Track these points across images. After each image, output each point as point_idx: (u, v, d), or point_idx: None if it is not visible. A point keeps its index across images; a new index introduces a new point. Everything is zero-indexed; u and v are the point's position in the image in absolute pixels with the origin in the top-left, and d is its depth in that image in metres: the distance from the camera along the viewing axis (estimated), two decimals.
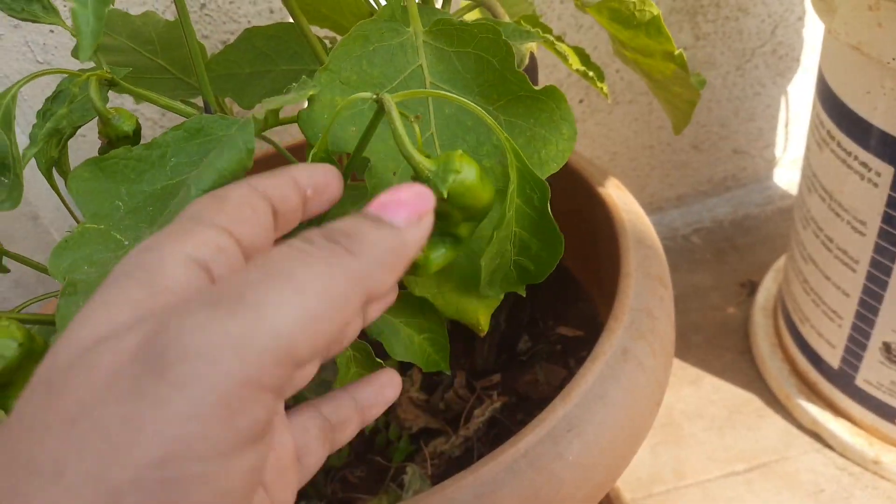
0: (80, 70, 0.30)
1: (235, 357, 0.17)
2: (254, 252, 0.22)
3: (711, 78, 0.69)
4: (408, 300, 0.34)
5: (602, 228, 0.44)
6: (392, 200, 0.22)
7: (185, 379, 0.16)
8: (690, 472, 0.55)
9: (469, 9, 0.39)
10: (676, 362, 0.63)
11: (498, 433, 0.47)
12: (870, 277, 0.48)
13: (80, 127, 0.31)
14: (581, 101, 0.67)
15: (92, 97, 0.28)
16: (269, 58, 0.40)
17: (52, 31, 0.50)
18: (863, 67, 0.42)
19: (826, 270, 0.52)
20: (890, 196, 0.44)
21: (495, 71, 0.29)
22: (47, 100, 0.29)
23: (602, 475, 0.34)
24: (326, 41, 0.39)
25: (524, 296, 0.32)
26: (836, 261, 0.50)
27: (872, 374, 0.52)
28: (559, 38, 0.36)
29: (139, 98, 0.31)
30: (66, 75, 0.30)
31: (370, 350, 0.33)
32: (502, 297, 0.32)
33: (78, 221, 0.32)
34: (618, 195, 0.45)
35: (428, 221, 0.22)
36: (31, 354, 0.27)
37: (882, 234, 0.46)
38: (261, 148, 0.39)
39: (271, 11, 0.53)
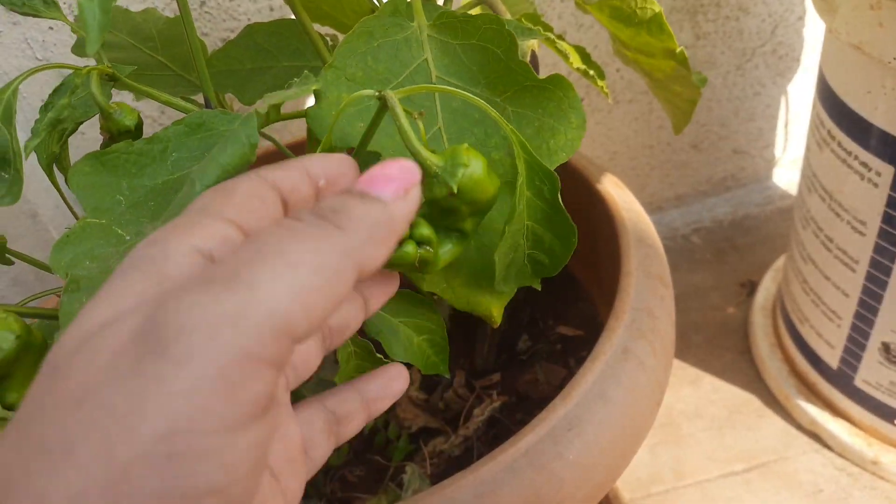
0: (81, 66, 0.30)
1: (232, 331, 0.17)
2: None
3: (712, 77, 0.69)
4: (407, 299, 0.34)
5: (602, 227, 0.44)
6: (379, 175, 0.22)
7: (184, 355, 0.17)
8: (689, 471, 0.55)
9: (470, 7, 0.39)
10: (676, 362, 0.63)
11: (497, 433, 0.47)
12: (869, 277, 0.48)
13: (82, 122, 0.31)
14: (581, 101, 0.67)
15: (93, 92, 0.28)
16: (270, 54, 0.40)
17: (51, 28, 0.50)
18: (863, 67, 0.42)
19: (826, 270, 0.52)
20: (890, 196, 0.44)
21: (500, 62, 0.29)
22: (51, 94, 0.29)
23: (602, 475, 0.34)
24: (327, 39, 0.39)
25: (539, 290, 0.32)
26: (835, 261, 0.50)
27: (871, 374, 0.52)
28: (560, 37, 0.36)
29: (139, 95, 0.31)
30: (67, 71, 0.30)
31: (371, 347, 0.33)
32: (515, 289, 0.32)
33: (77, 219, 0.31)
34: (618, 194, 0.45)
35: (415, 195, 0.22)
36: (29, 347, 0.27)
37: (882, 234, 0.46)
38: (261, 145, 0.39)
39: (271, 9, 0.53)
